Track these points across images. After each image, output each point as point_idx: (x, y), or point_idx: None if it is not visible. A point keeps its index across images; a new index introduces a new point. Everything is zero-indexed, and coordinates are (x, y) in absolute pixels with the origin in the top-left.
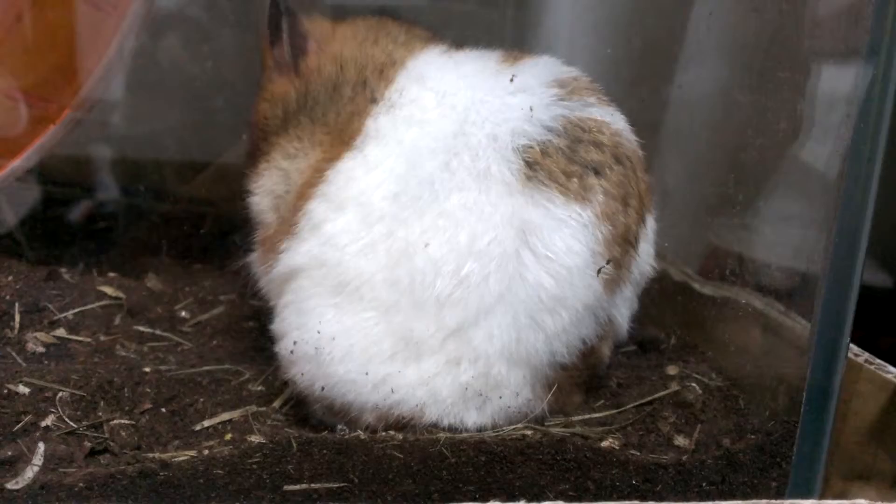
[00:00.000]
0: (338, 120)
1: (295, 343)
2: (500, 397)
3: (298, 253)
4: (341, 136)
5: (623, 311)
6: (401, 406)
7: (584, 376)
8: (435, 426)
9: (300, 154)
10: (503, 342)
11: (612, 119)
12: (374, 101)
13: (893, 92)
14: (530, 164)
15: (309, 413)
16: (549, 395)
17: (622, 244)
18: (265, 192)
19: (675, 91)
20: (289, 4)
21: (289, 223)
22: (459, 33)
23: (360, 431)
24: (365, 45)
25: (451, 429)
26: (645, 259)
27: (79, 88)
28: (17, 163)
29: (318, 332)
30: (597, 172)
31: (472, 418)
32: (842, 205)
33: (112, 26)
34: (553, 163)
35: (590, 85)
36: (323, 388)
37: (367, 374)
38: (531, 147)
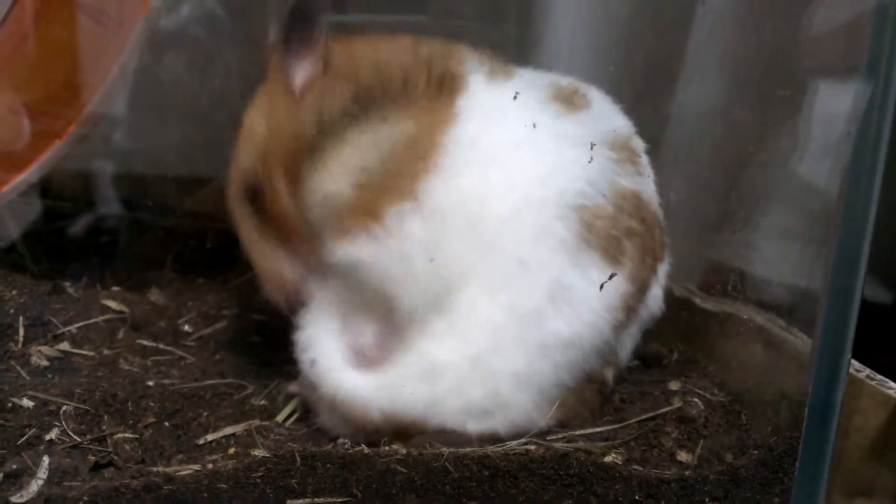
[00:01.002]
0: (421, 100)
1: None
2: (506, 415)
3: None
4: (434, 112)
5: (627, 346)
6: (406, 413)
7: (591, 394)
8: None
9: (382, 131)
10: (515, 368)
11: (643, 186)
12: (457, 88)
13: (892, 109)
14: (585, 224)
15: (311, 416)
16: (558, 412)
17: (636, 296)
18: (343, 173)
19: (676, 108)
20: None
21: (396, 184)
22: None
23: (363, 446)
24: (409, 49)
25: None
26: (654, 302)
27: (84, 104)
28: (22, 177)
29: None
30: (629, 237)
31: (474, 426)
32: (842, 221)
33: (117, 43)
34: (602, 226)
35: (630, 146)
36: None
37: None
38: (587, 208)
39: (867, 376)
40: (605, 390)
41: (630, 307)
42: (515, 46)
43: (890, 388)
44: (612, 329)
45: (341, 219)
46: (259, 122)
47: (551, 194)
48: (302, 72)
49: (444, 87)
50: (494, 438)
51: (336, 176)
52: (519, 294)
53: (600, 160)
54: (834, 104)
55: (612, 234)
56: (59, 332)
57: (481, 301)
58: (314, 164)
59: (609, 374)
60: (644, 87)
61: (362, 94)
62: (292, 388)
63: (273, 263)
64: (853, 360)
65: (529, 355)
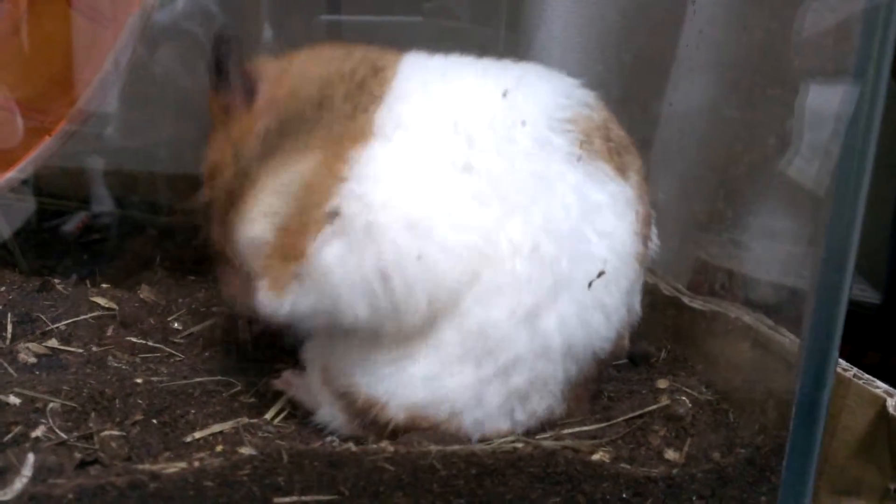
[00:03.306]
0: (335, 124)
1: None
2: (541, 398)
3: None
4: (345, 133)
5: (638, 296)
6: (439, 406)
7: (597, 375)
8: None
9: (294, 165)
10: (570, 329)
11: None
12: (377, 97)
13: (881, 110)
14: (584, 134)
15: (300, 413)
16: (570, 395)
17: (647, 224)
18: (260, 216)
19: (666, 108)
20: (232, 43)
21: (312, 218)
22: (452, 50)
23: (350, 444)
24: (335, 61)
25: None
26: (652, 243)
27: (75, 100)
28: (12, 174)
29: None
30: (626, 152)
31: (507, 425)
32: (830, 221)
33: (109, 39)
34: (598, 138)
35: None
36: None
37: (418, 375)
38: (578, 120)
39: (854, 375)
40: (621, 358)
41: (644, 237)
42: (507, 47)
43: (877, 387)
44: (638, 262)
45: (267, 266)
46: (208, 150)
47: (533, 110)
48: (231, 101)
49: (364, 95)
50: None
51: (255, 218)
52: (551, 212)
53: (568, 82)
54: (823, 104)
55: (610, 146)
56: (48, 328)
57: (513, 228)
58: (235, 205)
59: (626, 338)
60: (634, 87)
61: (279, 125)
62: (279, 384)
63: (227, 287)
64: (840, 360)
65: (583, 302)
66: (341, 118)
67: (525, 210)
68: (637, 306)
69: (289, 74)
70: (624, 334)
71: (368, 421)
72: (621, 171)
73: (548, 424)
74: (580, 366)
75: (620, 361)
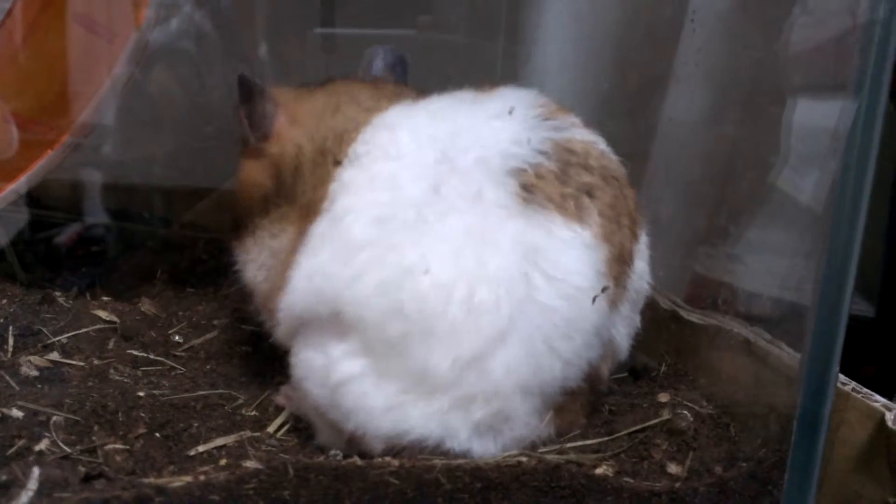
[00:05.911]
0: (304, 196)
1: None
2: (512, 429)
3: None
4: (310, 207)
5: (622, 329)
6: (410, 436)
7: (587, 398)
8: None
9: (281, 234)
10: (520, 374)
11: (595, 139)
12: (337, 163)
13: (879, 126)
14: (526, 187)
15: (301, 425)
16: (558, 419)
17: (620, 263)
18: (256, 266)
19: (665, 124)
20: (254, 87)
21: (279, 287)
22: (450, 66)
23: (356, 457)
24: (324, 117)
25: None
26: (640, 276)
27: (76, 114)
28: (13, 187)
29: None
30: (589, 194)
31: (490, 450)
32: (830, 238)
33: (110, 54)
34: (548, 185)
35: (563, 108)
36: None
37: (379, 407)
38: (524, 170)
39: (853, 389)
40: (602, 388)
41: (616, 276)
42: (505, 62)
43: (875, 400)
44: (608, 304)
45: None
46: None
47: (469, 164)
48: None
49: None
50: None
51: (247, 264)
52: (485, 261)
53: (526, 120)
54: (821, 120)
55: (566, 192)
56: (50, 341)
57: (439, 273)
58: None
59: (605, 369)
60: (634, 103)
61: (274, 185)
62: (280, 399)
63: None
64: (839, 374)
65: (534, 348)
66: (308, 191)
67: (453, 258)
68: (622, 339)
69: (282, 133)
70: (600, 366)
71: (360, 450)
72: (577, 216)
73: (541, 443)
74: (546, 398)
75: (622, 375)
